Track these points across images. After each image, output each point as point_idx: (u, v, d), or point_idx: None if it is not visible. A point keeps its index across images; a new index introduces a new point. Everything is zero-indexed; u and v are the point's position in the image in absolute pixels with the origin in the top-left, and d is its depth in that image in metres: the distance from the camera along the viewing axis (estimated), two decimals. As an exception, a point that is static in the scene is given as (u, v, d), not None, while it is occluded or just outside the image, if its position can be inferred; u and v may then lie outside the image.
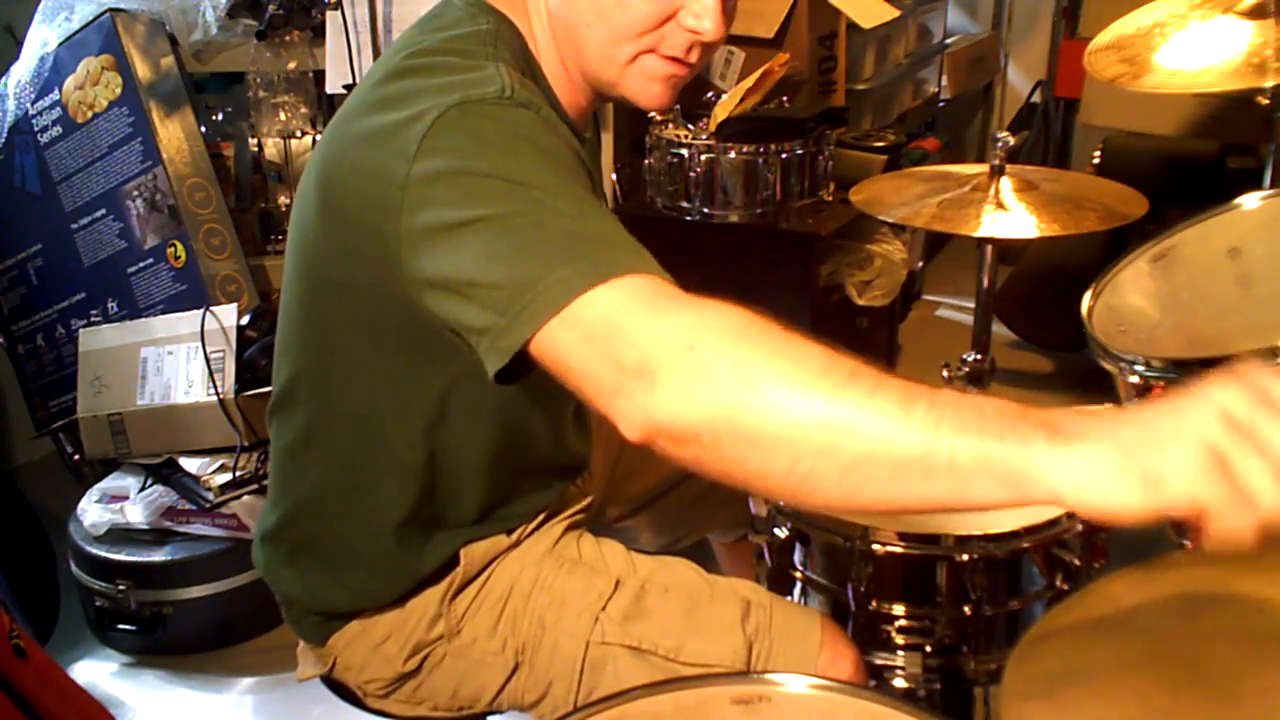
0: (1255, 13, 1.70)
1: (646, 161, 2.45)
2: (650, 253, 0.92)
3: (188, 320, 2.21)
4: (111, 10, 2.34)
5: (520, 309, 0.88)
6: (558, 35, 1.11)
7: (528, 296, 0.88)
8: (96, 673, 2.12)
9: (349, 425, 1.18)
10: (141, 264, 2.36)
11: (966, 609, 1.21)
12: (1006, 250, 2.68)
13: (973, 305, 1.77)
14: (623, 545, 1.32)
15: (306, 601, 1.26)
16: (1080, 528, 1.24)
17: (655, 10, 1.06)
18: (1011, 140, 1.65)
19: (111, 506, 2.14)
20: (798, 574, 1.31)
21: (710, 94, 2.47)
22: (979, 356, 1.73)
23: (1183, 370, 1.25)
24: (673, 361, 0.82)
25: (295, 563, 1.26)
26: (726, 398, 0.80)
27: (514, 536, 1.26)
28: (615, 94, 1.13)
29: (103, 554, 2.10)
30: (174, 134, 2.34)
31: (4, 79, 2.45)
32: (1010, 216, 1.59)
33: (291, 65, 2.45)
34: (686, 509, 1.57)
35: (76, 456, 2.37)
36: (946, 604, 1.22)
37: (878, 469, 0.77)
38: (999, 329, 3.05)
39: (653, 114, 2.43)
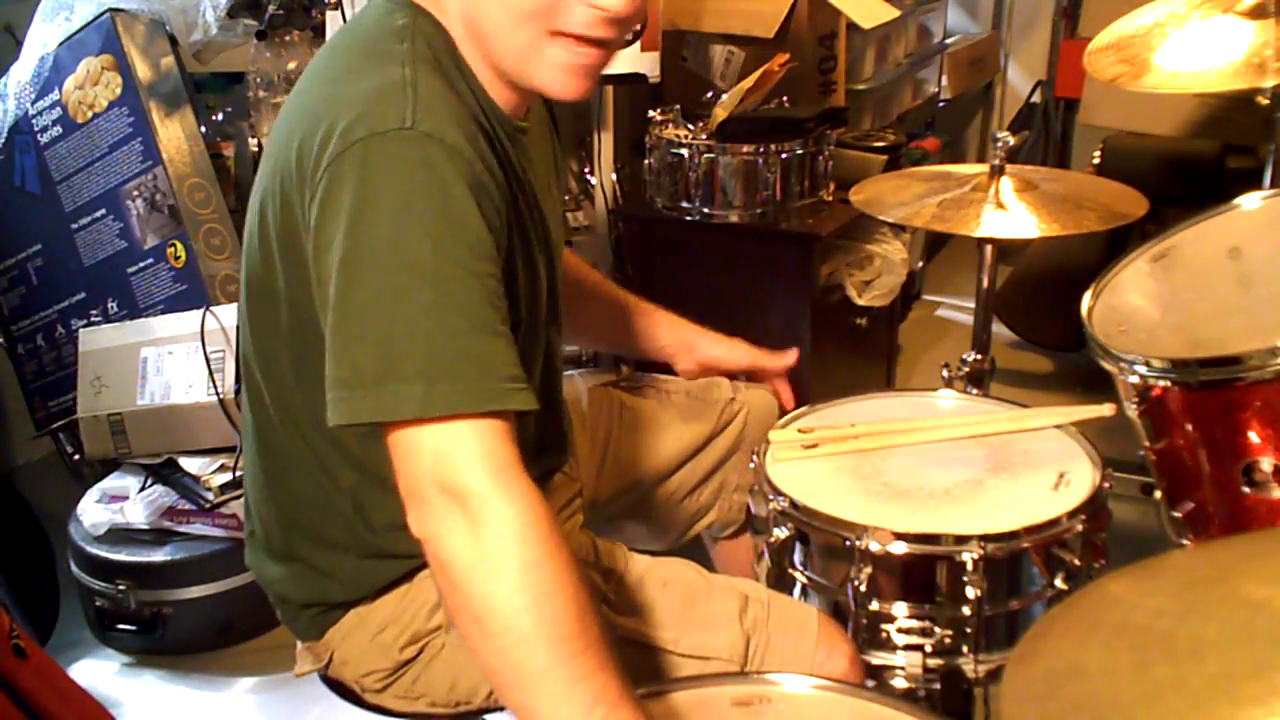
0: (1255, 13, 1.70)
1: (646, 161, 2.44)
2: (500, 345, 1.00)
3: (188, 320, 2.21)
4: (111, 10, 2.34)
5: (356, 398, 0.98)
6: (470, 33, 1.10)
7: (360, 392, 0.98)
8: (96, 673, 2.12)
9: (293, 418, 1.19)
10: (141, 264, 2.35)
11: (966, 609, 1.21)
12: (1006, 250, 2.68)
13: (973, 305, 1.77)
14: (624, 544, 1.33)
15: (301, 597, 1.26)
16: (1080, 528, 1.24)
17: None
18: (1011, 140, 1.65)
19: (111, 506, 2.14)
20: (798, 574, 1.31)
21: (710, 94, 2.47)
22: (979, 356, 1.73)
23: (1183, 370, 1.25)
24: (482, 530, 0.95)
25: (285, 561, 1.27)
26: (490, 594, 0.94)
27: None
28: (530, 86, 1.11)
29: (103, 554, 2.10)
30: (174, 134, 2.34)
31: (4, 79, 2.45)
32: (1010, 216, 1.59)
33: (291, 65, 2.45)
34: (681, 500, 1.58)
35: (76, 456, 2.37)
36: (946, 604, 1.22)
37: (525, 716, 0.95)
38: (999, 329, 3.05)
39: (652, 115, 2.43)
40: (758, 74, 2.31)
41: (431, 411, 0.96)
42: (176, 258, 2.33)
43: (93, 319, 2.38)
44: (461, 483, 0.96)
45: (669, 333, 1.59)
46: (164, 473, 2.16)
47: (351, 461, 1.18)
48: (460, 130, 1.02)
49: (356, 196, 0.98)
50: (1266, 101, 1.92)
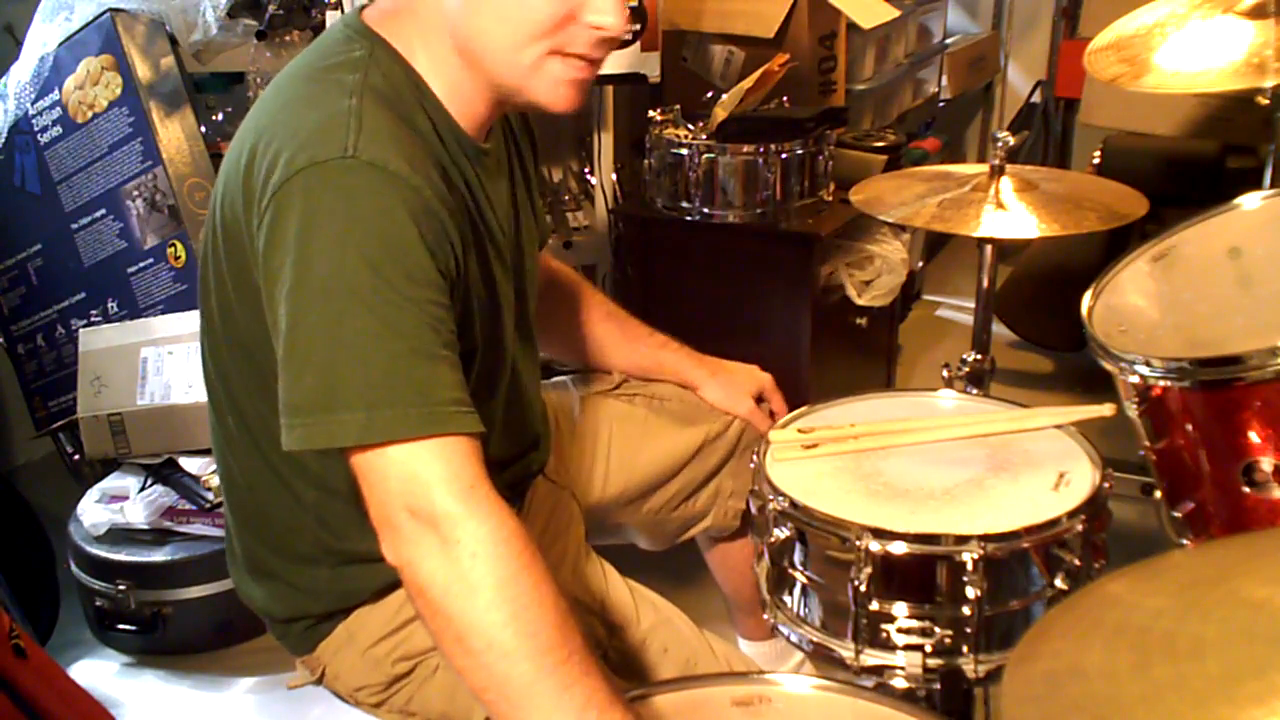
0: (1255, 13, 1.70)
1: (646, 161, 2.44)
2: (441, 369, 1.01)
3: (188, 320, 2.21)
4: (111, 10, 2.34)
5: (305, 425, 0.99)
6: (461, 49, 1.10)
7: (309, 418, 0.99)
8: (96, 673, 2.12)
9: (252, 434, 1.19)
10: (141, 264, 2.35)
11: (966, 609, 1.21)
12: (1006, 250, 2.68)
13: (973, 305, 1.77)
14: (629, 590, 1.36)
15: (283, 613, 1.26)
16: (1080, 528, 1.24)
17: (557, 9, 1.05)
18: (1011, 140, 1.65)
19: (111, 506, 2.14)
20: (797, 574, 1.31)
21: (710, 94, 2.47)
22: (979, 356, 1.73)
23: (1183, 370, 1.25)
24: (455, 550, 0.96)
25: (262, 579, 1.27)
26: (468, 612, 0.95)
27: None
28: (522, 100, 1.12)
29: (103, 554, 2.10)
30: (174, 134, 2.34)
31: (4, 79, 2.45)
32: (1010, 216, 1.58)
33: (291, 65, 2.45)
34: (676, 507, 1.59)
35: (76, 456, 2.37)
36: (946, 604, 1.22)
37: None
38: (999, 329, 3.05)
39: (652, 115, 2.43)
40: (758, 74, 2.31)
41: (373, 437, 0.97)
42: (176, 258, 2.33)
43: (93, 319, 2.38)
44: (431, 505, 0.96)
45: (676, 371, 1.59)
46: (164, 473, 2.16)
47: (311, 479, 1.18)
48: (405, 158, 1.03)
49: (301, 225, 0.99)
50: (1266, 101, 1.92)
